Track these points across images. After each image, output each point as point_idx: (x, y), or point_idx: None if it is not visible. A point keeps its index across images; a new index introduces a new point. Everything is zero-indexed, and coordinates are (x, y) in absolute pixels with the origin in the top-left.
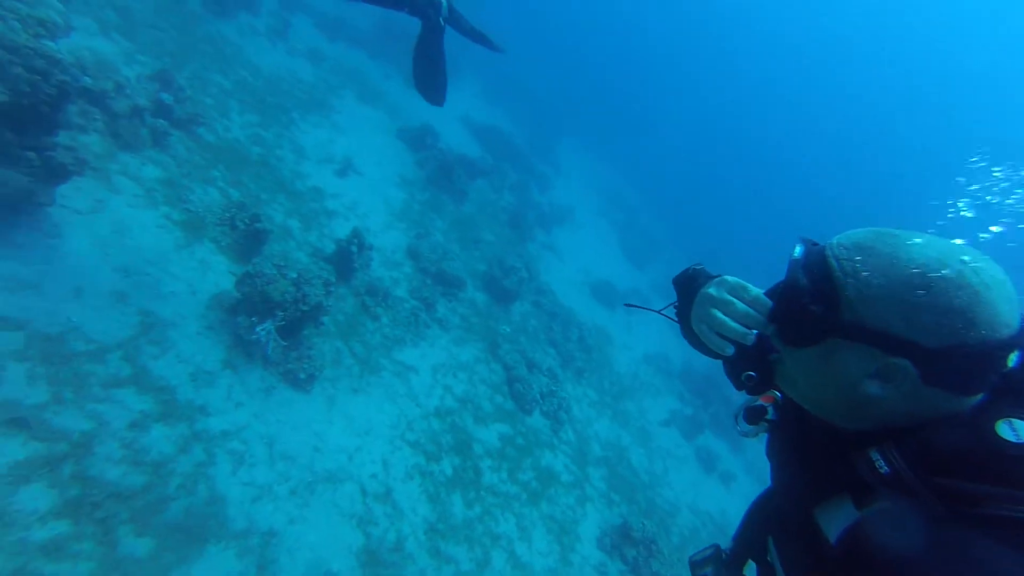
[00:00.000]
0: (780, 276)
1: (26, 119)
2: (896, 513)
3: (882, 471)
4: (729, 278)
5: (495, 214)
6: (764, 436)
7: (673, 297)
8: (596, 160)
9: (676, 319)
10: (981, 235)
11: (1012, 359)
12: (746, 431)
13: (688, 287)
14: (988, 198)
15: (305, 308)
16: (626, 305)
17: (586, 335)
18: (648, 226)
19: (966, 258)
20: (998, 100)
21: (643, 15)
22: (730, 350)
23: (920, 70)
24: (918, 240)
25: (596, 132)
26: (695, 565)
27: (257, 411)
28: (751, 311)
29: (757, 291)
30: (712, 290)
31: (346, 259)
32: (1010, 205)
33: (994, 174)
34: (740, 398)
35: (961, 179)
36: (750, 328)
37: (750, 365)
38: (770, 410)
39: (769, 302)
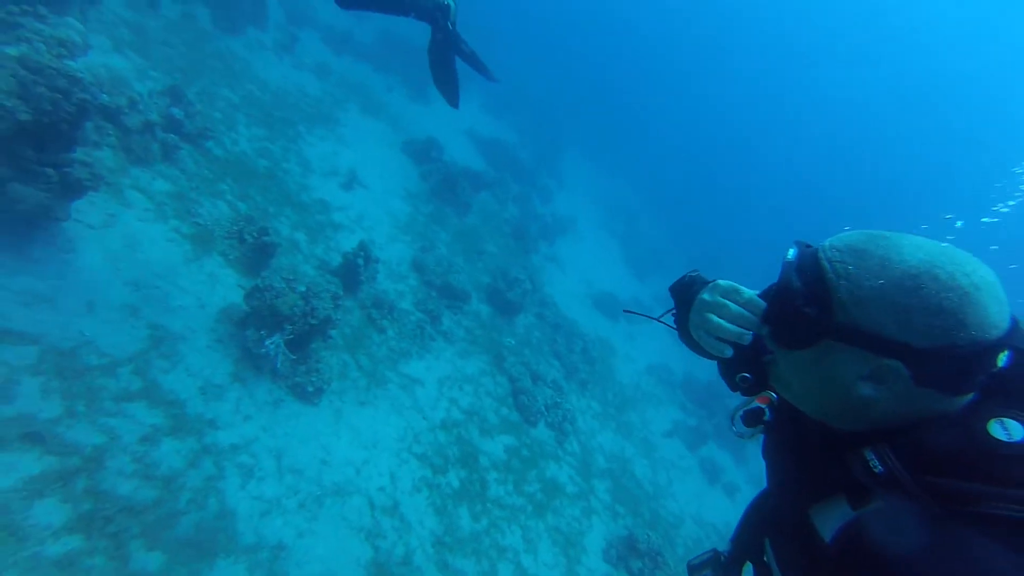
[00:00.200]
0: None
1: (46, 136)
2: (891, 512)
3: (877, 471)
4: (722, 282)
5: (498, 226)
6: (760, 437)
7: (672, 305)
8: (598, 170)
9: (674, 326)
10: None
11: (1002, 359)
12: (742, 432)
13: (685, 294)
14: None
15: (314, 321)
16: (625, 312)
17: (589, 347)
18: (649, 236)
19: (956, 260)
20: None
21: (642, 24)
22: (728, 352)
23: (921, 74)
24: (909, 242)
25: (598, 142)
26: (693, 569)
27: (265, 424)
28: (745, 312)
29: (751, 293)
30: (707, 295)
31: (352, 272)
32: None
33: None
34: (738, 402)
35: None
36: (745, 330)
37: (745, 367)
38: (767, 412)
39: (763, 304)
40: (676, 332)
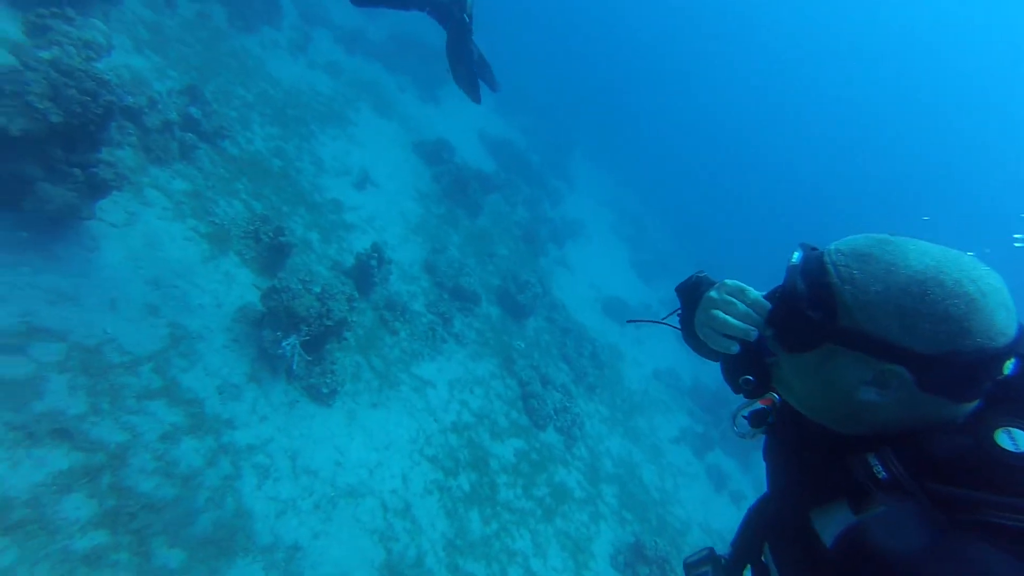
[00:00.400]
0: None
1: (74, 137)
2: (894, 518)
3: (880, 476)
4: (729, 281)
5: (509, 228)
6: (761, 438)
7: (677, 306)
8: (606, 173)
9: (679, 327)
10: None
11: (1008, 367)
12: (743, 432)
13: (692, 294)
14: None
15: (329, 323)
16: (629, 321)
17: (598, 351)
18: (657, 239)
19: (963, 266)
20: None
21: (648, 28)
22: (735, 348)
23: (932, 79)
24: (916, 247)
25: (605, 145)
26: (690, 567)
27: (281, 425)
28: (751, 312)
29: (756, 294)
30: (714, 293)
31: (366, 273)
32: None
33: None
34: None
35: None
36: (751, 327)
37: (748, 369)
38: (771, 414)
39: (768, 304)
40: (680, 333)
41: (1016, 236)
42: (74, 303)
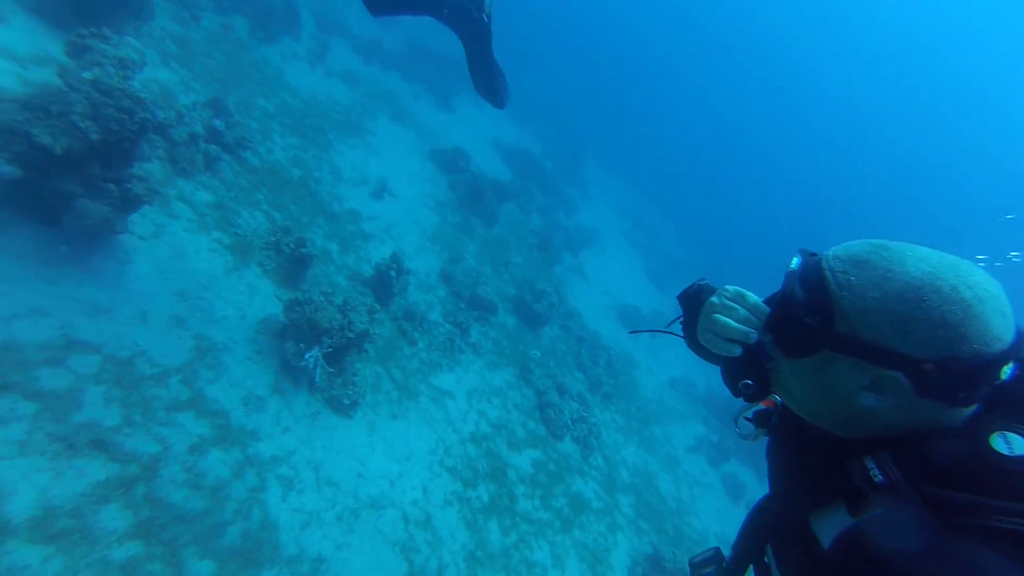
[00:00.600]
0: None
1: (111, 153)
2: (890, 521)
3: (877, 479)
4: (729, 287)
5: (524, 236)
6: (764, 440)
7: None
8: (620, 179)
9: (682, 334)
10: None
11: (1006, 372)
12: (746, 433)
13: (694, 301)
14: None
15: (351, 335)
16: (632, 332)
17: (613, 359)
18: (670, 246)
19: (960, 272)
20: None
21: (662, 36)
22: (737, 351)
23: (947, 83)
24: (913, 253)
25: (619, 152)
26: (695, 566)
27: (304, 436)
28: (751, 316)
29: (756, 299)
30: (715, 299)
31: (385, 283)
32: None
33: None
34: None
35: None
36: (751, 329)
37: (747, 373)
38: (774, 415)
39: (767, 309)
40: (684, 340)
41: (1013, 254)
42: (108, 315)
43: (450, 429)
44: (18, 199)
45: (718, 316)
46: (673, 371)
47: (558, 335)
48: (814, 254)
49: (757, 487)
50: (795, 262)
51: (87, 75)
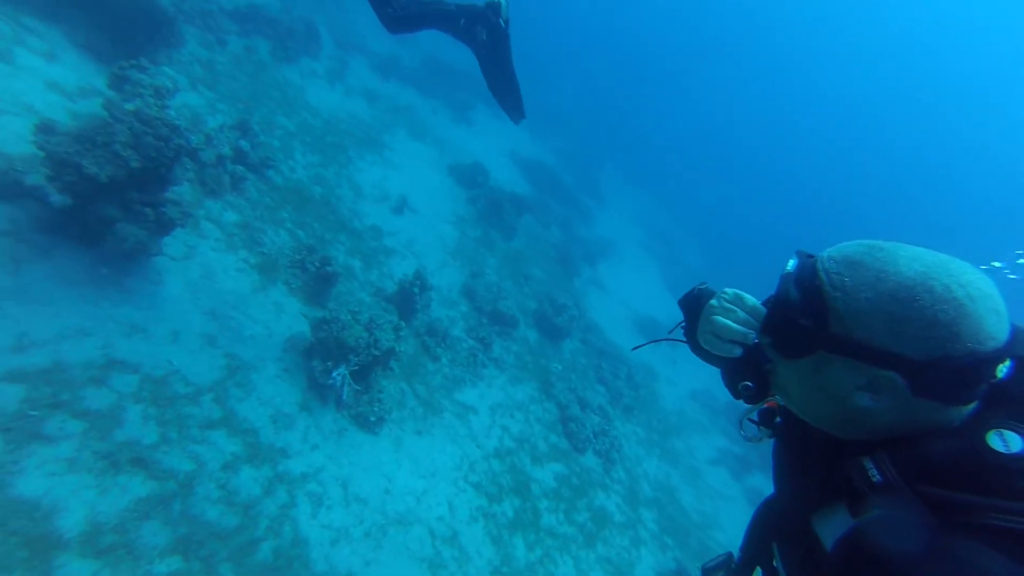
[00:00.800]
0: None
1: (148, 179)
2: (890, 521)
3: (875, 479)
4: (728, 290)
5: (543, 250)
6: (768, 442)
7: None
8: (636, 190)
9: (684, 339)
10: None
11: (1001, 370)
12: (750, 436)
13: (694, 306)
14: None
15: (377, 353)
16: (634, 349)
17: (634, 371)
18: (688, 256)
19: (952, 271)
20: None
21: (677, 46)
22: (738, 352)
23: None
24: (906, 253)
25: (635, 161)
26: (707, 572)
27: (331, 453)
28: (750, 318)
29: (754, 301)
30: (714, 302)
31: (408, 300)
32: None
33: None
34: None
35: None
36: (750, 331)
37: (747, 375)
38: (777, 414)
39: (765, 311)
40: (687, 345)
41: (1019, 251)
42: (144, 335)
43: (474, 444)
44: (66, 225)
45: (717, 318)
46: (693, 382)
47: (578, 348)
48: (810, 256)
49: None
50: (791, 264)
51: (129, 106)
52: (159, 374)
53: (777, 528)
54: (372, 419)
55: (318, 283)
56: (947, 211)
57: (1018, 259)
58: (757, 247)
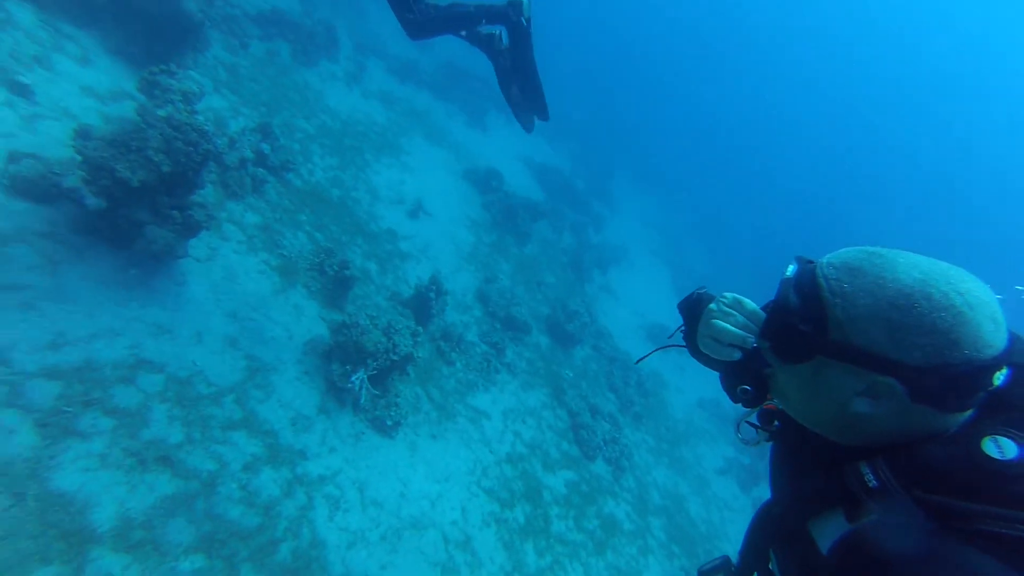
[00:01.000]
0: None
1: (176, 183)
2: (886, 526)
3: (871, 484)
4: (728, 294)
5: (555, 256)
6: (765, 446)
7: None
8: (648, 196)
9: (683, 344)
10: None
11: (998, 378)
12: (747, 439)
13: (693, 310)
14: None
15: (395, 357)
16: (636, 362)
17: (644, 379)
18: (699, 263)
19: (951, 279)
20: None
21: (690, 53)
22: (737, 355)
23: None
24: (905, 260)
25: (648, 167)
26: (704, 574)
27: (349, 456)
28: (749, 323)
29: (753, 305)
30: (713, 306)
31: (424, 304)
32: None
33: None
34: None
35: None
36: (749, 335)
37: (745, 379)
38: (776, 417)
39: (765, 315)
40: (687, 350)
41: (1019, 288)
42: (170, 336)
43: (487, 450)
44: (99, 227)
45: (716, 322)
46: (702, 391)
47: (590, 355)
48: (810, 261)
49: None
50: (790, 269)
51: (161, 112)
52: (183, 375)
53: (774, 533)
54: (389, 423)
55: (336, 286)
56: (961, 218)
57: None
58: (766, 253)
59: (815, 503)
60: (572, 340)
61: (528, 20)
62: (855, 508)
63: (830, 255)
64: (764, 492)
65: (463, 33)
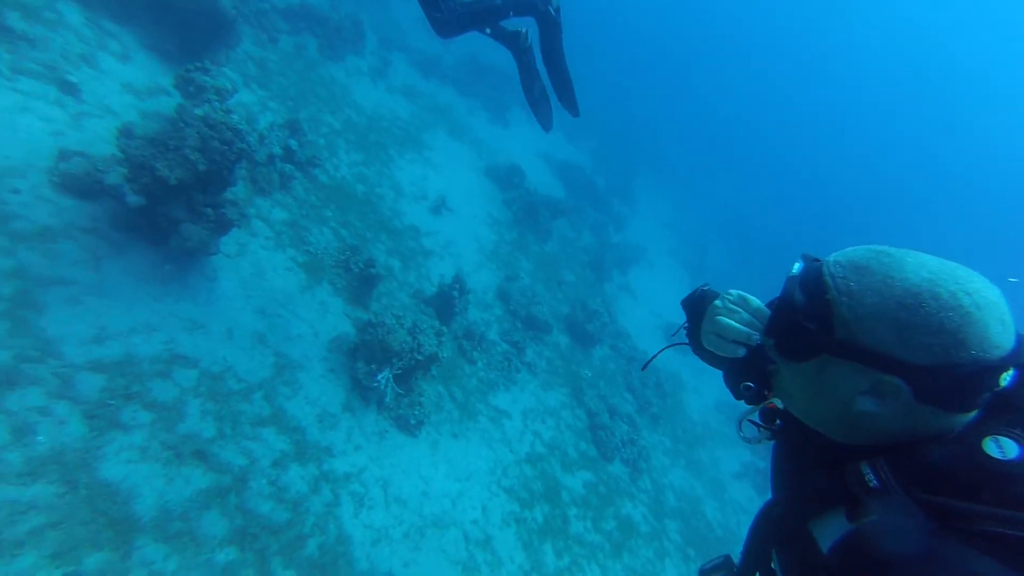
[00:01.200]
0: None
1: (211, 181)
2: (886, 526)
3: (871, 484)
4: (732, 291)
5: (575, 254)
6: (767, 444)
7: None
8: (668, 195)
9: (687, 341)
10: None
11: (1005, 379)
12: (749, 437)
13: (697, 307)
14: None
15: (420, 357)
16: (642, 369)
17: (662, 380)
18: (719, 263)
19: (959, 278)
20: None
21: (714, 50)
22: (741, 352)
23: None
24: (913, 259)
25: (669, 166)
26: (705, 573)
27: (373, 454)
28: (754, 320)
29: (758, 303)
30: (718, 303)
31: (447, 303)
32: None
33: None
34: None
35: None
36: (753, 331)
37: (749, 376)
38: (778, 416)
39: (769, 313)
40: (690, 347)
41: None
42: (203, 331)
43: (507, 449)
44: (138, 224)
45: (721, 318)
46: (720, 393)
47: (608, 355)
48: (816, 259)
49: None
50: (796, 267)
51: (199, 112)
52: (215, 370)
53: (776, 532)
54: (412, 422)
55: (361, 284)
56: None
57: None
58: (785, 254)
59: (816, 503)
60: (591, 340)
61: (557, 9)
62: (856, 508)
63: (837, 253)
64: None
65: (488, 31)
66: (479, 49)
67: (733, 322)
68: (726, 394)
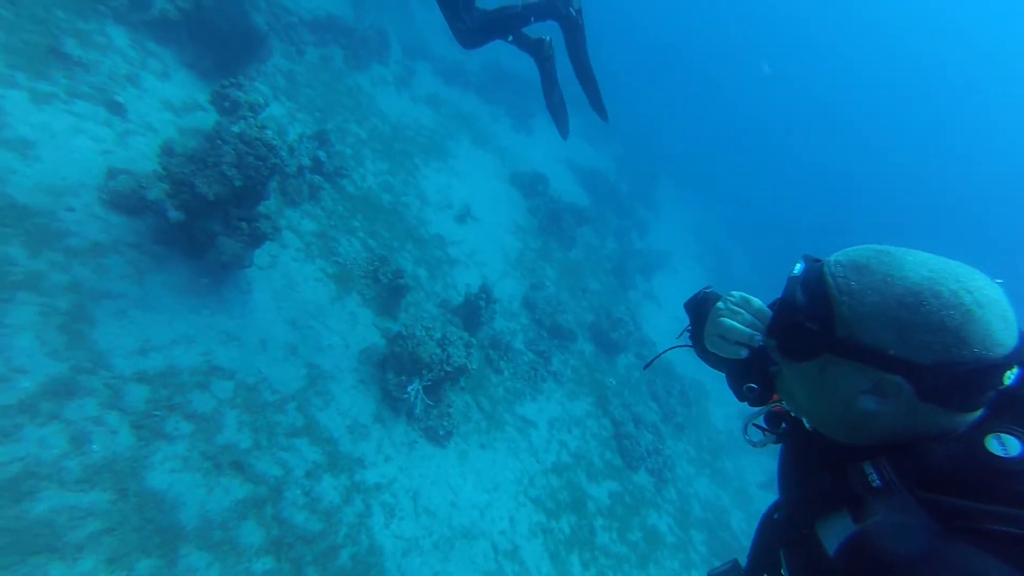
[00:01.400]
0: None
1: (246, 196)
2: (890, 527)
3: (874, 484)
4: (735, 293)
5: (599, 262)
6: (772, 447)
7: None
8: (691, 200)
9: (690, 343)
10: None
11: (1009, 377)
12: (754, 441)
13: (700, 309)
14: None
15: (449, 369)
16: (644, 368)
17: (687, 389)
18: (740, 268)
19: (960, 277)
20: None
21: (738, 57)
22: (744, 353)
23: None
24: (914, 258)
25: (692, 172)
26: None
27: (403, 465)
28: (756, 321)
29: (760, 304)
30: (721, 304)
31: (474, 313)
32: None
33: None
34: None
35: None
36: (756, 332)
37: (752, 377)
38: (784, 419)
39: (771, 314)
40: (694, 350)
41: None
42: (238, 343)
43: (534, 459)
44: (177, 238)
45: (724, 320)
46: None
47: (633, 363)
48: (818, 260)
49: None
50: (798, 267)
51: (235, 128)
52: (251, 381)
53: (783, 534)
54: (441, 433)
55: (390, 294)
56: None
57: None
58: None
59: (821, 504)
60: (616, 348)
61: (579, 11)
62: (860, 508)
63: (838, 253)
64: None
65: (510, 38)
66: (503, 55)
67: (736, 323)
68: None
